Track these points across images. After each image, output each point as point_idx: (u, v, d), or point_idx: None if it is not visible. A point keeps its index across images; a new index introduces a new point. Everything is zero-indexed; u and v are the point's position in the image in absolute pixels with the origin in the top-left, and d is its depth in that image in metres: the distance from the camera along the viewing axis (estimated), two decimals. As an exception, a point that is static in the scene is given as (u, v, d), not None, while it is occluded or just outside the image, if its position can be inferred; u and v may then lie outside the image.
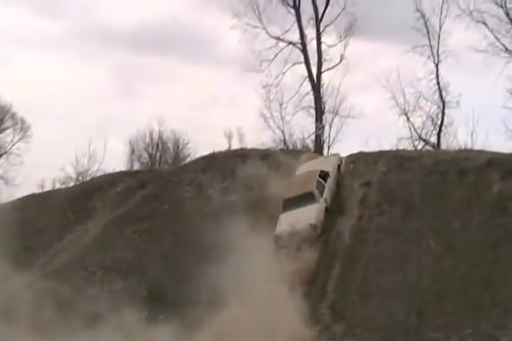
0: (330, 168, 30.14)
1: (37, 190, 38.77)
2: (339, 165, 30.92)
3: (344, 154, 33.27)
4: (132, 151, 50.59)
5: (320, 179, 29.03)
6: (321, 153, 39.52)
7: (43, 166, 48.09)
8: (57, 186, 45.48)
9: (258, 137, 36.97)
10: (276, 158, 32.89)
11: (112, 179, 35.31)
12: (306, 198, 28.12)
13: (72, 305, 25.93)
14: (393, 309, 23.66)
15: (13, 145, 53.02)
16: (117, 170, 39.66)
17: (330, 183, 29.30)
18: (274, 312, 23.76)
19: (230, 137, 45.47)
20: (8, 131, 53.13)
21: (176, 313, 24.99)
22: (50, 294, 26.12)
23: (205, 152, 34.53)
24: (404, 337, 21.57)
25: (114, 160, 57.30)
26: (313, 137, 43.53)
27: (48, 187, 43.39)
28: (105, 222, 31.17)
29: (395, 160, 30.20)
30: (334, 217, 28.40)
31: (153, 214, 30.98)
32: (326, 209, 28.46)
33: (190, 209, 30.86)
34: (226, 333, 24.00)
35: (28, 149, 52.25)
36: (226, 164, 32.87)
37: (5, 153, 52.86)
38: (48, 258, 30.32)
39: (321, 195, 28.56)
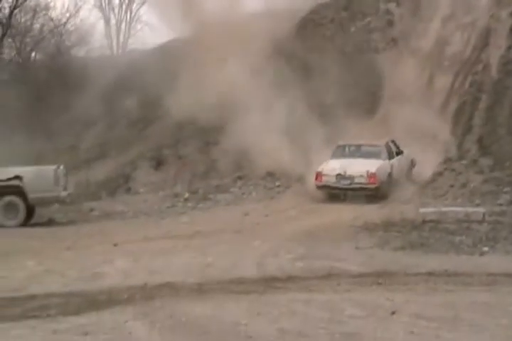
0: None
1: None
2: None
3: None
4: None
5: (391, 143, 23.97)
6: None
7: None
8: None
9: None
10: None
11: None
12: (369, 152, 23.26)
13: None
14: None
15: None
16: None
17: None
18: None
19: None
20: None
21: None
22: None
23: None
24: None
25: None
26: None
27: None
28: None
29: (548, -16, 28.54)
30: (479, 50, 27.51)
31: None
32: (389, 174, 22.84)
33: (331, 47, 30.20)
34: None
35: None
36: (367, 1, 31.86)
37: (147, 0, 52.84)
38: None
39: (388, 158, 23.26)
